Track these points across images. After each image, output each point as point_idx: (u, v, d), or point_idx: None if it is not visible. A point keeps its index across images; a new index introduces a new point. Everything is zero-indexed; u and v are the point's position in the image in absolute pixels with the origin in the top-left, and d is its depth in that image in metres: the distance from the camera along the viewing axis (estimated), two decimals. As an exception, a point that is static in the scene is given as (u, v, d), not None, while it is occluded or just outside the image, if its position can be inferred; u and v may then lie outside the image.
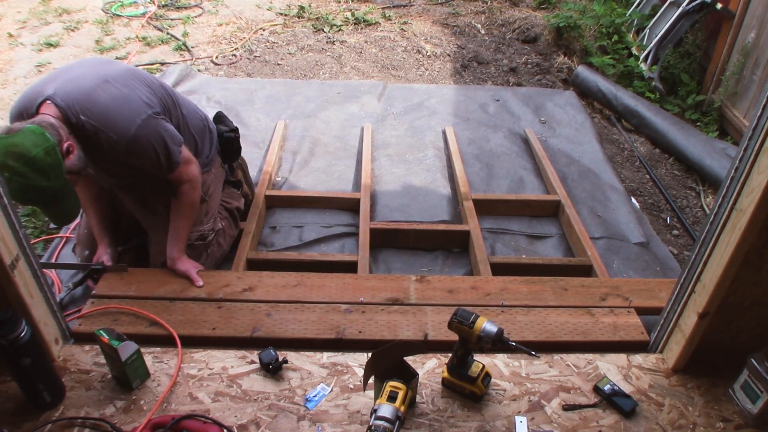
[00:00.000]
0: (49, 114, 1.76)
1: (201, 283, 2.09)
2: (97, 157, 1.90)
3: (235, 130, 2.46)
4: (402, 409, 1.42)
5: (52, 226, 2.70)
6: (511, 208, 2.83)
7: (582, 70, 4.36)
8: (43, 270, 1.70)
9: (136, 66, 4.25)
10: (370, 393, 1.64)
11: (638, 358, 1.84)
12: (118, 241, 2.28)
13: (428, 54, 4.78)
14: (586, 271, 2.39)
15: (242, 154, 2.56)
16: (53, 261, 2.43)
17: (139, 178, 2.09)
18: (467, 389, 1.65)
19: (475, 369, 1.64)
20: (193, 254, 2.22)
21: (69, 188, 1.78)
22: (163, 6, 5.49)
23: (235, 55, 4.61)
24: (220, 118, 2.49)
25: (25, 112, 1.82)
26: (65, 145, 1.74)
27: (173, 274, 2.12)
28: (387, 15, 5.45)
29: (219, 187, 2.40)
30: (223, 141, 2.40)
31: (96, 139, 1.82)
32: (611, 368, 1.80)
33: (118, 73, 1.92)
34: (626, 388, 1.71)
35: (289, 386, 1.69)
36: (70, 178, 1.78)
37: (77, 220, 2.43)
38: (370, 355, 1.58)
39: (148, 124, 1.87)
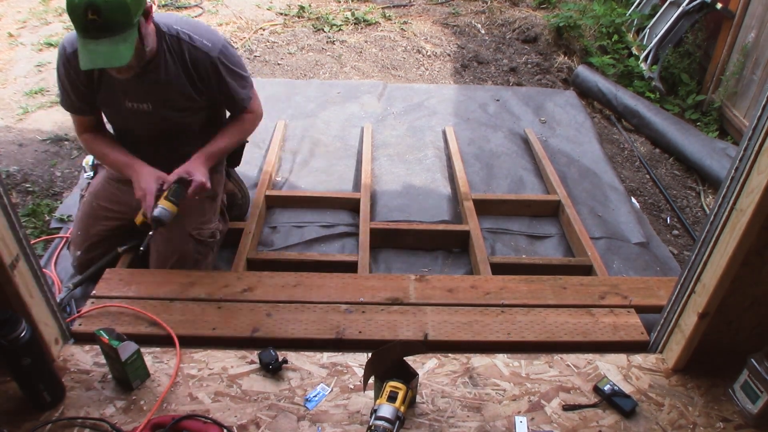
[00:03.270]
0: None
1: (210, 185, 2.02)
2: (186, 74, 1.97)
3: None
4: (402, 409, 1.42)
5: (52, 226, 2.70)
6: (511, 208, 2.83)
7: (582, 70, 4.36)
8: (43, 270, 1.69)
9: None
10: (370, 393, 1.64)
11: (638, 358, 1.84)
12: (119, 241, 2.28)
13: (428, 54, 4.78)
14: (587, 271, 2.39)
15: (242, 153, 2.55)
16: (53, 261, 2.43)
17: (198, 119, 2.15)
18: None
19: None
20: (203, 251, 2.22)
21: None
22: (163, 6, 5.49)
23: (235, 55, 4.61)
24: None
25: None
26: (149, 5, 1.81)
27: (173, 275, 2.11)
28: (387, 15, 5.45)
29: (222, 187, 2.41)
30: None
31: (190, 48, 1.93)
32: (611, 368, 1.80)
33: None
34: (626, 388, 1.71)
35: (289, 386, 1.69)
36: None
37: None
38: (370, 355, 1.58)
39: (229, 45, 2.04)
